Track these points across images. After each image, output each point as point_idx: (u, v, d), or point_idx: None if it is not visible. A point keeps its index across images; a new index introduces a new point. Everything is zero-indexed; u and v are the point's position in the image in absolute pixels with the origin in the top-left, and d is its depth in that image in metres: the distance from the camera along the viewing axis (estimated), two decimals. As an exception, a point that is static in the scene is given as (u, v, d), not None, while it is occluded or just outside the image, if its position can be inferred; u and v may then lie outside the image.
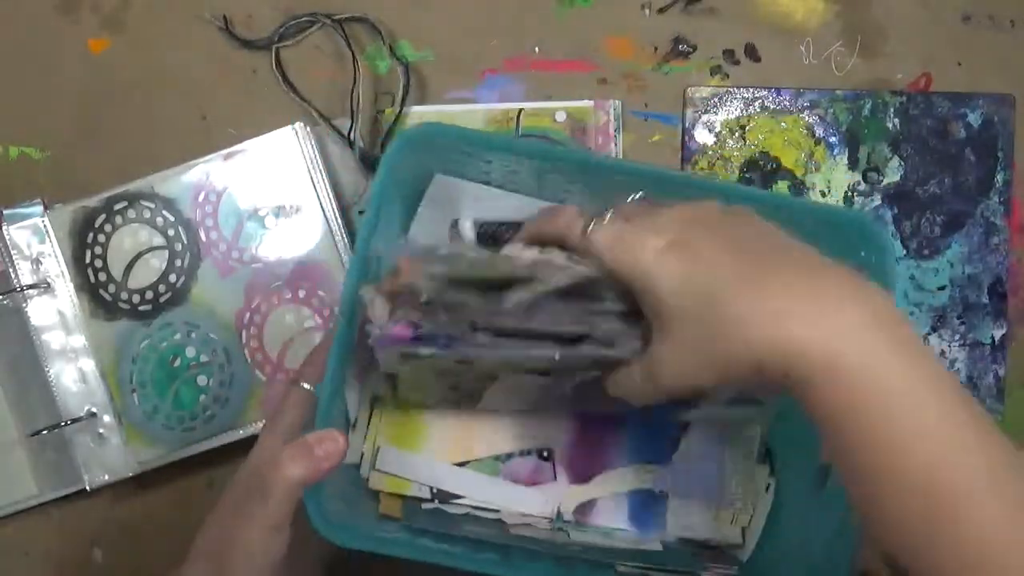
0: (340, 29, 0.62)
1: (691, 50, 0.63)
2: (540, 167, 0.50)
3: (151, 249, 0.60)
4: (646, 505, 0.54)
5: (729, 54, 0.63)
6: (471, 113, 0.62)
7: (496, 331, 0.43)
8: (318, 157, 0.60)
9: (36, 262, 0.60)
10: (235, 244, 0.60)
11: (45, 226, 0.60)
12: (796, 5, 0.64)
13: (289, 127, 0.60)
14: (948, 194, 0.63)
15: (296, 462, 0.42)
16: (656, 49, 0.63)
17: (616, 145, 0.62)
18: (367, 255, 0.46)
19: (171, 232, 0.60)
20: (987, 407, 0.62)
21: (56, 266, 0.60)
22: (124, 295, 0.60)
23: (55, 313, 0.60)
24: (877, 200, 0.63)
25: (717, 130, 0.63)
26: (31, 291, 0.59)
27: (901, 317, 0.37)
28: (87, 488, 0.59)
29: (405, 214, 0.53)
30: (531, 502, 0.53)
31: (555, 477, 0.54)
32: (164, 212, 0.60)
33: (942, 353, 0.62)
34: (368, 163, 0.61)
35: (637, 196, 0.44)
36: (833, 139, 0.63)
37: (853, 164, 0.63)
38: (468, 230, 0.52)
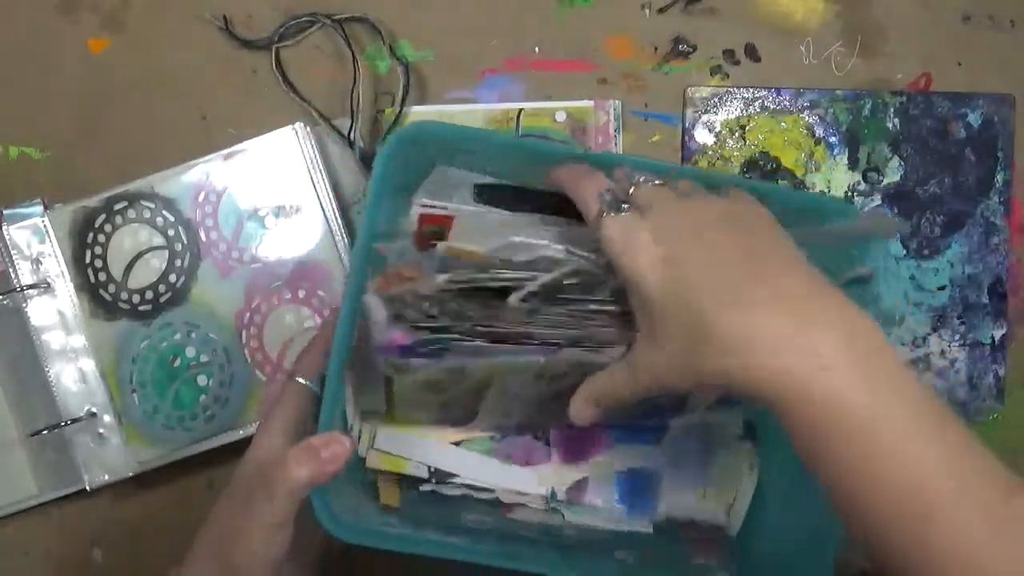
0: (340, 29, 0.62)
1: (691, 50, 0.63)
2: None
3: (151, 249, 0.60)
4: (636, 485, 0.55)
5: (729, 54, 0.63)
6: (471, 113, 0.62)
7: (493, 337, 0.44)
8: (318, 157, 0.60)
9: (36, 262, 0.60)
10: (235, 244, 0.60)
11: (45, 226, 0.60)
12: (796, 5, 0.64)
13: (289, 127, 0.60)
14: (948, 194, 0.63)
15: (302, 465, 0.42)
16: (656, 49, 0.63)
17: (616, 145, 0.62)
18: (368, 254, 0.46)
19: (171, 232, 0.60)
20: (987, 407, 0.62)
21: (56, 266, 0.60)
22: (124, 295, 0.60)
23: (55, 313, 0.60)
24: (877, 200, 0.63)
25: (717, 130, 0.63)
26: (31, 291, 0.59)
27: (881, 346, 0.38)
28: (87, 488, 0.59)
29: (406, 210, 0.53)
30: (526, 481, 0.54)
31: (549, 457, 0.54)
32: (164, 212, 0.60)
33: (942, 353, 0.62)
34: (368, 163, 0.61)
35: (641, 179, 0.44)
36: (833, 139, 0.63)
37: (853, 164, 0.63)
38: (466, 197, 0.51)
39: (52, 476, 0.60)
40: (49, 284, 0.60)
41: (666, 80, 0.63)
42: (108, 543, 0.61)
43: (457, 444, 0.54)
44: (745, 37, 0.63)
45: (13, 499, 0.60)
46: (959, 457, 0.37)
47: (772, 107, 0.63)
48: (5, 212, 0.60)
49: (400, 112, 0.61)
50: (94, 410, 0.59)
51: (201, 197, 0.60)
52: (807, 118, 0.63)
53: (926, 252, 0.63)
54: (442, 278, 0.43)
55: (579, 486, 0.55)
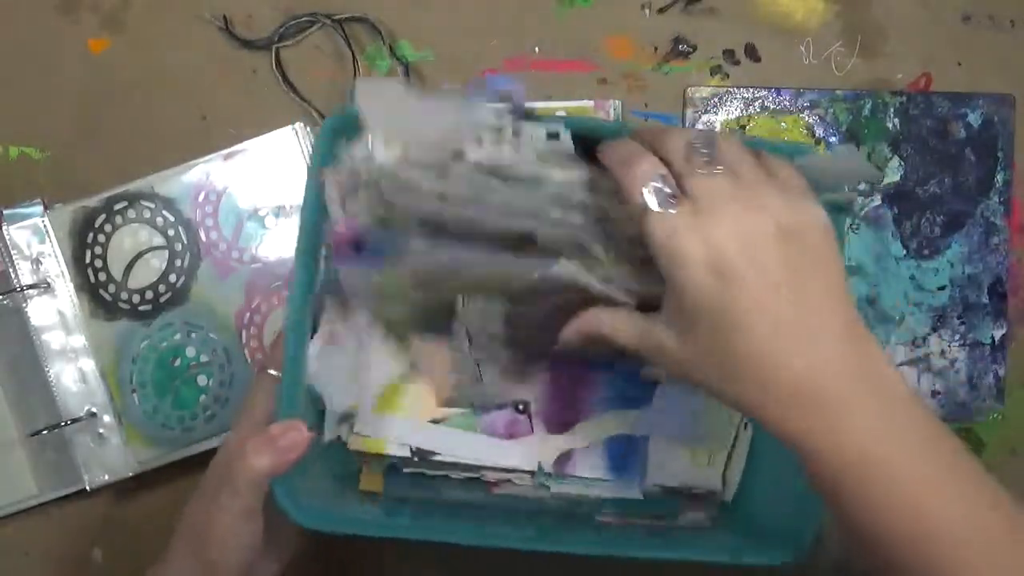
0: (340, 29, 0.62)
1: (691, 50, 0.63)
2: None
3: (151, 249, 0.60)
4: (624, 452, 0.54)
5: (729, 54, 0.63)
6: (471, 113, 0.62)
7: (444, 223, 0.43)
8: (318, 157, 0.60)
9: (36, 262, 0.60)
10: (235, 244, 0.60)
11: (45, 226, 0.60)
12: (796, 5, 0.64)
13: (289, 127, 0.60)
14: (948, 194, 0.63)
15: (260, 454, 0.43)
16: (656, 49, 0.63)
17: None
18: (315, 241, 0.46)
19: (171, 232, 0.60)
20: (987, 407, 0.62)
21: (56, 266, 0.60)
22: (124, 295, 0.60)
23: (55, 313, 0.60)
24: (877, 200, 0.63)
25: (717, 130, 0.63)
26: (31, 291, 0.59)
27: (905, 396, 0.39)
28: (87, 488, 0.59)
29: None
30: (511, 455, 0.53)
31: (532, 429, 0.53)
32: (164, 212, 0.60)
33: (942, 353, 0.62)
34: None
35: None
36: (833, 139, 0.63)
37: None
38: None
39: (52, 476, 0.60)
40: (49, 284, 0.60)
41: (666, 80, 0.63)
42: (108, 543, 0.61)
43: (437, 422, 0.53)
44: (745, 37, 0.63)
45: (13, 499, 0.60)
46: (975, 507, 0.38)
47: (772, 107, 0.63)
48: (5, 212, 0.60)
49: (400, 112, 0.61)
50: (94, 410, 0.59)
51: (201, 197, 0.60)
52: (807, 118, 0.63)
53: (926, 252, 0.63)
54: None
55: (565, 457, 0.53)
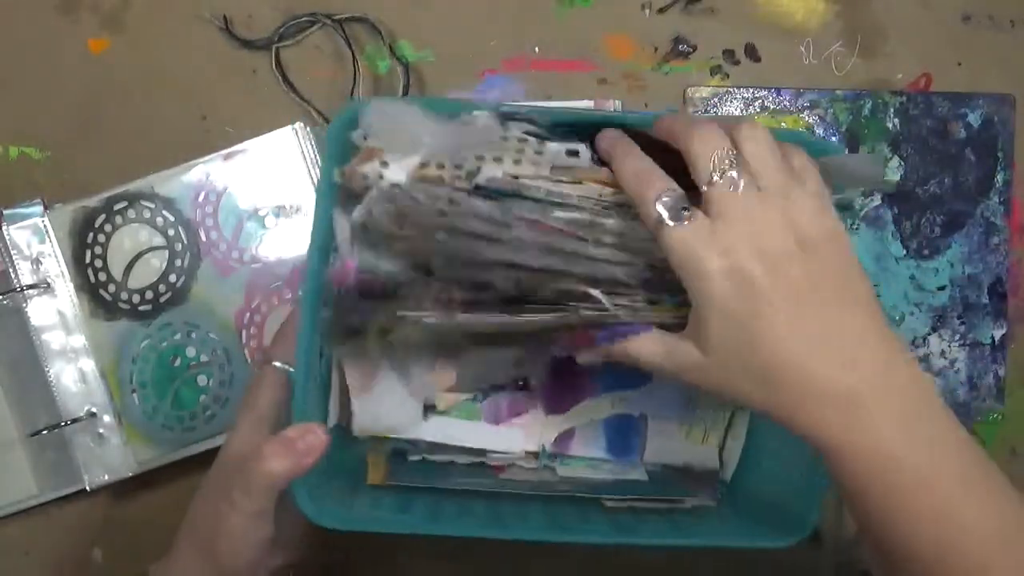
0: (340, 29, 0.62)
1: (691, 50, 0.63)
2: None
3: (151, 249, 0.60)
4: (623, 432, 0.55)
5: (729, 54, 0.63)
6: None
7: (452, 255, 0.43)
8: (318, 157, 0.60)
9: (36, 262, 0.60)
10: (235, 244, 0.60)
11: (45, 226, 0.60)
12: (796, 5, 0.64)
13: (289, 127, 0.60)
14: (948, 194, 0.63)
15: (278, 458, 0.43)
16: (656, 49, 0.63)
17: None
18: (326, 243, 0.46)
19: (171, 232, 0.60)
20: (987, 407, 0.62)
21: (56, 266, 0.60)
22: (124, 295, 0.60)
23: (55, 313, 0.60)
24: (877, 200, 0.63)
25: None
26: (31, 291, 0.59)
27: (933, 401, 0.39)
28: (87, 488, 0.59)
29: None
30: (513, 439, 0.53)
31: (536, 405, 0.54)
32: (164, 212, 0.60)
33: (942, 353, 0.62)
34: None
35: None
36: (833, 139, 0.63)
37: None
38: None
39: (52, 476, 0.60)
40: (49, 284, 0.60)
41: (666, 80, 0.63)
42: (108, 543, 0.61)
43: (440, 412, 0.53)
44: (745, 37, 0.63)
45: (13, 499, 0.60)
46: (1000, 514, 0.38)
47: (772, 107, 0.63)
48: (5, 212, 0.60)
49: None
50: (94, 410, 0.59)
51: (201, 197, 0.60)
52: (807, 118, 0.63)
53: (926, 252, 0.63)
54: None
55: (565, 437, 0.54)
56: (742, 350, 0.39)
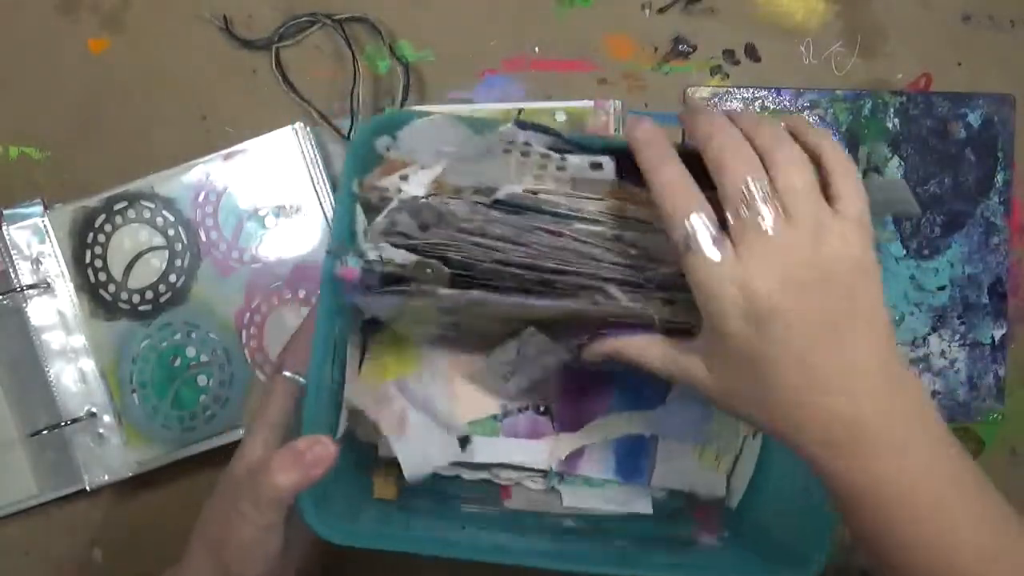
0: (340, 29, 0.62)
1: (691, 50, 0.63)
2: None
3: (151, 249, 0.60)
4: (633, 453, 0.54)
5: (729, 54, 0.63)
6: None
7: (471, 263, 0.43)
8: (318, 157, 0.60)
9: (36, 262, 0.60)
10: (235, 244, 0.60)
11: (45, 226, 0.60)
12: (796, 5, 0.64)
13: (289, 127, 0.60)
14: (948, 194, 0.63)
15: (286, 471, 0.42)
16: (656, 49, 0.63)
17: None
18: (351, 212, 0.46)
19: (171, 232, 0.60)
20: (987, 407, 0.62)
21: (56, 266, 0.60)
22: (124, 295, 0.60)
23: (55, 313, 0.60)
24: (877, 200, 0.63)
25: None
26: (31, 291, 0.59)
27: (943, 436, 0.39)
28: (87, 488, 0.59)
29: None
30: (528, 451, 0.53)
31: (553, 430, 0.54)
32: (164, 212, 0.60)
33: (942, 353, 0.62)
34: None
35: None
36: (834, 138, 0.62)
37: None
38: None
39: (52, 476, 0.60)
40: (49, 284, 0.60)
41: (666, 80, 0.63)
42: (108, 543, 0.61)
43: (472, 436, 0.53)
44: (745, 37, 0.63)
45: (13, 499, 0.60)
46: (1001, 541, 0.39)
47: (772, 107, 0.63)
48: (5, 212, 0.60)
49: (400, 112, 0.61)
50: (94, 410, 0.59)
51: (201, 197, 0.60)
52: (807, 118, 0.63)
53: (926, 252, 0.63)
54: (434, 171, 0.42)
55: (576, 455, 0.54)
56: (747, 378, 0.39)
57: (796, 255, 0.38)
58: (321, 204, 0.60)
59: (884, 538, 0.39)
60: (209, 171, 0.60)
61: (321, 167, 0.60)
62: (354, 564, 0.61)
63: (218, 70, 0.63)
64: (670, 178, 0.39)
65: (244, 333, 0.60)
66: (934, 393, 0.62)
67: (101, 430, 0.59)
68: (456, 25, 0.63)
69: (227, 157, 0.60)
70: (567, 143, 0.44)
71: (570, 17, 0.63)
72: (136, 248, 0.60)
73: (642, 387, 0.54)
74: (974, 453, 0.62)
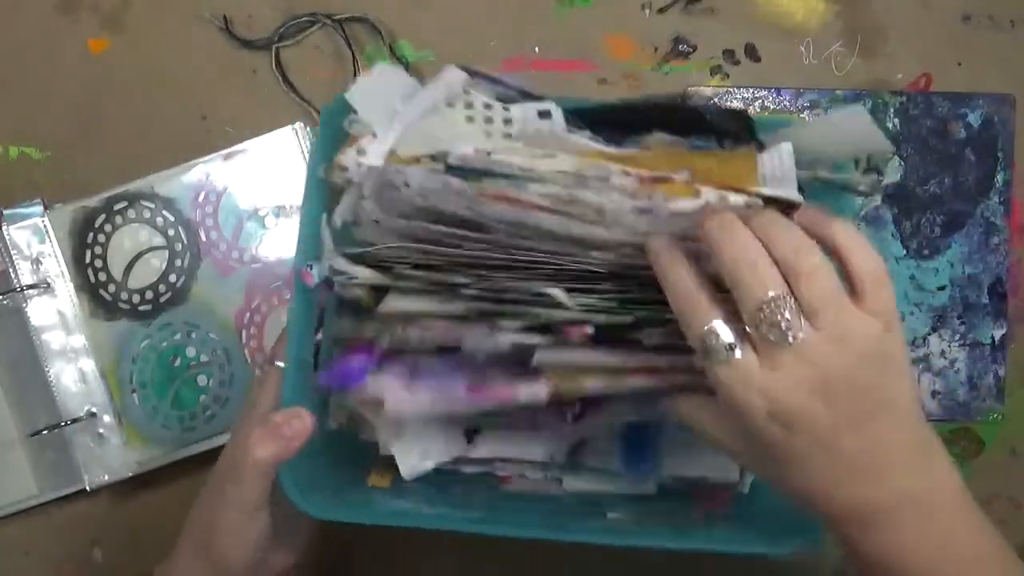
0: (340, 29, 0.62)
1: (691, 50, 0.63)
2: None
3: (151, 249, 0.60)
4: (637, 444, 0.52)
5: (729, 54, 0.63)
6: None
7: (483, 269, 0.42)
8: (318, 157, 0.60)
9: (36, 262, 0.60)
10: (235, 244, 0.60)
11: (45, 226, 0.60)
12: (796, 5, 0.64)
13: (289, 127, 0.60)
14: (948, 194, 0.63)
15: (264, 444, 0.43)
16: (656, 49, 0.63)
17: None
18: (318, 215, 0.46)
19: (171, 232, 0.60)
20: (987, 407, 0.62)
21: (56, 266, 0.60)
22: (124, 295, 0.60)
23: (55, 313, 0.60)
24: (877, 200, 0.63)
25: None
26: (31, 291, 0.59)
27: (962, 505, 0.40)
28: (87, 488, 0.59)
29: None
30: (525, 445, 0.52)
31: (565, 418, 0.51)
32: (164, 212, 0.60)
33: (942, 353, 0.62)
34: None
35: None
36: (833, 139, 0.62)
37: (853, 164, 0.63)
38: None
39: (52, 476, 0.60)
40: (49, 284, 0.60)
41: (666, 80, 0.63)
42: (108, 543, 0.61)
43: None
44: (745, 37, 0.63)
45: (13, 499, 0.60)
46: None
47: (772, 107, 0.63)
48: (5, 212, 0.60)
49: (400, 112, 0.61)
50: (94, 410, 0.59)
51: (201, 197, 0.60)
52: (807, 118, 0.63)
53: (926, 252, 0.63)
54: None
55: (579, 446, 0.52)
56: (775, 467, 0.40)
57: (820, 363, 0.37)
58: (321, 204, 0.60)
59: None
60: (209, 171, 0.60)
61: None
62: (360, 560, 0.61)
63: (218, 70, 0.63)
64: (687, 285, 0.39)
65: (244, 333, 0.60)
66: (934, 393, 0.62)
67: (101, 430, 0.59)
68: (456, 25, 0.63)
69: (227, 157, 0.60)
70: (512, 90, 0.43)
71: (570, 17, 0.63)
72: (136, 248, 0.60)
73: None
74: (974, 453, 0.62)
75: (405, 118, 0.43)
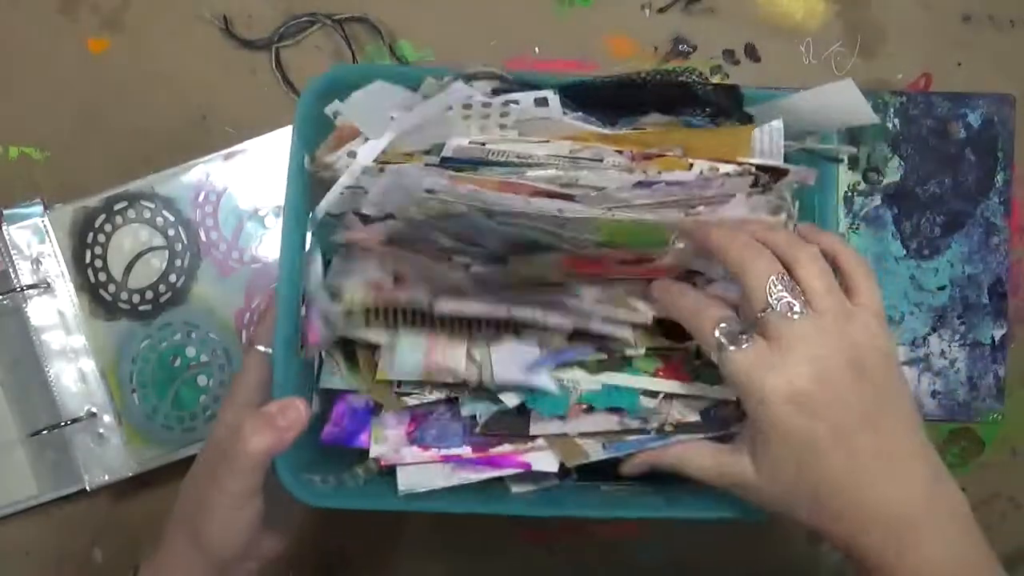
0: (340, 29, 0.62)
1: (691, 50, 0.63)
2: None
3: (151, 249, 0.60)
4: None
5: (729, 54, 0.63)
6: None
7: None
8: (318, 157, 0.60)
9: (36, 262, 0.60)
10: (235, 244, 0.60)
11: (45, 226, 0.60)
12: (796, 5, 0.64)
13: (289, 127, 0.60)
14: (948, 194, 0.63)
15: (259, 434, 0.42)
16: (656, 49, 0.63)
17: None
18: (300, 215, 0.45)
19: (171, 232, 0.60)
20: (987, 407, 0.62)
21: (56, 266, 0.60)
22: (124, 295, 0.60)
23: (55, 313, 0.60)
24: (877, 200, 0.63)
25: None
26: (31, 291, 0.59)
27: (970, 527, 0.40)
28: (87, 488, 0.59)
29: None
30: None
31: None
32: (164, 212, 0.60)
33: (942, 353, 0.62)
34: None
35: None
36: (832, 138, 0.62)
37: (853, 164, 0.63)
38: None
39: (52, 476, 0.60)
40: (49, 284, 0.60)
41: (666, 80, 0.63)
42: (108, 543, 0.61)
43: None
44: (745, 37, 0.63)
45: (13, 499, 0.60)
46: None
47: (772, 107, 0.63)
48: (5, 212, 0.60)
49: (400, 112, 0.61)
50: (94, 410, 0.59)
51: (201, 197, 0.60)
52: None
53: (926, 252, 0.63)
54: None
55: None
56: (794, 471, 0.40)
57: (826, 340, 0.40)
58: (321, 204, 0.60)
59: None
60: (209, 171, 0.60)
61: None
62: (353, 559, 0.61)
63: (218, 70, 0.63)
64: (693, 300, 0.43)
65: (244, 333, 0.60)
66: (934, 393, 0.62)
67: (101, 430, 0.59)
68: (456, 25, 0.63)
69: (227, 157, 0.60)
70: (510, 83, 0.44)
71: (570, 17, 0.63)
72: (136, 248, 0.60)
73: None
74: (974, 453, 0.62)
75: (400, 126, 0.43)
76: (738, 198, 0.45)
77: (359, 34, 0.63)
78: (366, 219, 0.44)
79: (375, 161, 0.43)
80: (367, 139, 0.44)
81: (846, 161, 0.62)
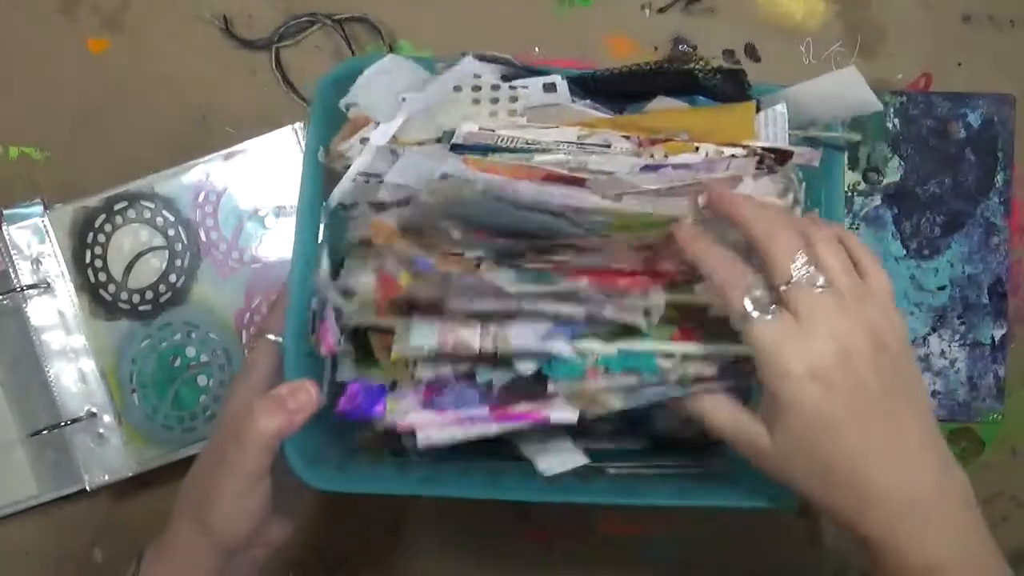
0: (340, 29, 0.62)
1: (691, 50, 0.63)
2: None
3: (151, 249, 0.60)
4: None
5: (729, 54, 0.63)
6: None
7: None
8: (318, 157, 0.60)
9: (36, 262, 0.60)
10: (235, 244, 0.60)
11: (45, 226, 0.60)
12: (796, 5, 0.64)
13: (289, 127, 0.60)
14: (948, 194, 0.63)
15: (270, 415, 0.42)
16: (656, 49, 0.63)
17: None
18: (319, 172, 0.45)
19: (171, 232, 0.60)
20: (987, 407, 0.62)
21: (56, 266, 0.60)
22: (124, 295, 0.60)
23: (55, 313, 0.60)
24: (877, 200, 0.63)
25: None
26: (31, 291, 0.59)
27: (977, 526, 0.41)
28: (87, 488, 0.59)
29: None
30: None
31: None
32: (164, 212, 0.60)
33: (942, 353, 0.62)
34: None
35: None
36: (833, 139, 0.63)
37: (853, 164, 0.63)
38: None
39: (52, 476, 0.60)
40: (49, 284, 0.60)
41: (666, 80, 0.63)
42: (108, 543, 0.61)
43: None
44: (745, 37, 0.63)
45: (13, 499, 0.60)
46: None
47: (772, 107, 0.63)
48: (5, 212, 0.60)
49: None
50: (94, 410, 0.59)
51: (201, 197, 0.60)
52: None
53: (926, 252, 0.63)
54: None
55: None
56: (809, 446, 0.40)
57: (849, 322, 0.40)
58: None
59: None
60: (209, 171, 0.60)
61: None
62: (358, 559, 0.61)
63: (218, 70, 0.63)
64: (723, 259, 0.42)
65: (244, 333, 0.60)
66: (934, 393, 0.62)
67: (101, 430, 0.59)
68: (456, 25, 0.63)
69: (227, 157, 0.60)
70: (519, 69, 0.44)
71: (570, 17, 0.63)
72: (136, 248, 0.60)
73: None
74: (974, 453, 0.62)
75: (411, 107, 0.43)
76: (745, 181, 0.45)
77: (359, 34, 0.63)
78: (380, 208, 0.44)
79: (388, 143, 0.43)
80: (379, 124, 0.44)
81: (846, 161, 0.62)
